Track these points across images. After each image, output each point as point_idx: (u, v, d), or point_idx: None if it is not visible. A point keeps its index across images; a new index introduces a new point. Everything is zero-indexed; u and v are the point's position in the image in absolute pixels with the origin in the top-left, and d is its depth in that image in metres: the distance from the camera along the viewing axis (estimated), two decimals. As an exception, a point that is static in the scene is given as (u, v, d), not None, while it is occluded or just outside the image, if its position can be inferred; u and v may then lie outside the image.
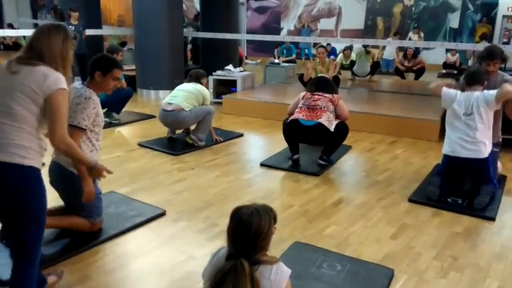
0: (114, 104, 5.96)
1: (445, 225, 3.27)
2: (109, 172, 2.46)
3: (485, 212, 3.45)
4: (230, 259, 1.69)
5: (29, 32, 9.81)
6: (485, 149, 3.52)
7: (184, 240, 2.97)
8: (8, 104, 1.88)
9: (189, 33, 10.55)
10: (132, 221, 3.15)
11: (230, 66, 7.83)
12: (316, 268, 2.62)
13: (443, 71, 11.15)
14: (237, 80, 7.51)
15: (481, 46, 7.87)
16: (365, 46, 9.39)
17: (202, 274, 1.84)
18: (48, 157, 2.21)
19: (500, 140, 3.96)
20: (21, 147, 1.88)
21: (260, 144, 5.64)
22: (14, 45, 14.14)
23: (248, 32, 15.35)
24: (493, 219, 3.38)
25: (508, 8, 12.22)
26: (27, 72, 1.92)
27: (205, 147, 5.01)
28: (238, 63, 10.11)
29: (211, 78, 7.39)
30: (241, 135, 5.63)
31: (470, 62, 10.97)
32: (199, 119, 4.95)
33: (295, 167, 4.40)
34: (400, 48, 11.54)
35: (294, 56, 12.31)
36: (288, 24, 15.70)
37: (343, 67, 9.36)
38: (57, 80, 1.93)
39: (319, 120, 4.25)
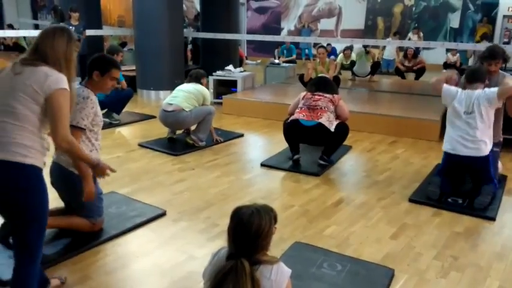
0: (114, 104, 5.97)
1: (445, 225, 3.27)
2: (112, 170, 2.48)
3: (486, 211, 3.45)
4: (230, 259, 1.69)
5: (29, 33, 9.86)
6: (485, 147, 3.52)
7: (185, 241, 2.97)
8: (10, 104, 1.90)
9: (189, 33, 10.56)
10: (132, 221, 3.16)
11: (230, 67, 7.83)
12: (316, 268, 2.62)
13: (444, 71, 11.14)
14: (237, 80, 7.52)
15: (482, 46, 7.89)
16: (365, 46, 9.39)
17: (202, 274, 1.84)
18: (49, 157, 2.21)
19: (501, 139, 3.96)
20: (22, 146, 1.89)
21: (260, 144, 5.64)
22: (14, 45, 14.16)
23: (248, 32, 15.36)
24: (493, 219, 3.37)
25: (509, 8, 12.21)
26: (30, 72, 1.95)
27: (205, 147, 5.01)
28: (239, 63, 10.11)
29: (211, 78, 7.40)
30: (242, 135, 5.64)
31: (470, 62, 10.97)
32: (199, 120, 4.95)
33: (295, 167, 4.40)
34: (400, 48, 11.55)
35: (294, 56, 12.32)
36: (288, 24, 15.71)
37: (343, 67, 9.37)
38: (58, 79, 1.96)
39: (320, 121, 4.25)
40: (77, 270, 2.58)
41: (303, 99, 4.50)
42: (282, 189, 4.05)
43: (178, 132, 5.37)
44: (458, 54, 11.27)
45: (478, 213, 3.44)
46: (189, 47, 11.68)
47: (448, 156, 3.67)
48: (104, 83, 2.84)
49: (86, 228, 2.91)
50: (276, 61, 10.49)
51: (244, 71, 8.30)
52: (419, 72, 10.01)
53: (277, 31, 15.49)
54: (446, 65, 11.23)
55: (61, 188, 2.89)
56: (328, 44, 11.12)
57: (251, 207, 1.73)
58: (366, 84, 8.86)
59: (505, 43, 11.31)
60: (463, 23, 13.10)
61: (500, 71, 3.91)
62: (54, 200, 2.86)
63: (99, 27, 9.56)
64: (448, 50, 11.64)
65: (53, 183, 2.82)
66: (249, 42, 15.83)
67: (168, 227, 3.15)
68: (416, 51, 10.62)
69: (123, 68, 7.27)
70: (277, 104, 6.49)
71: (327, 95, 4.43)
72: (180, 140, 5.20)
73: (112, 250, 2.83)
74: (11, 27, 14.66)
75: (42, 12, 18.34)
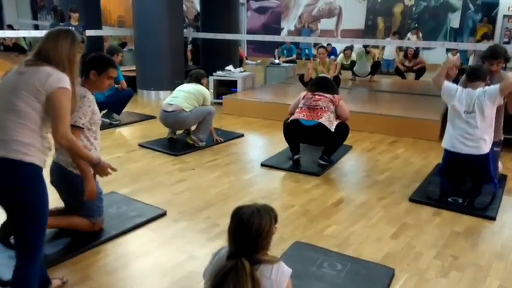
0: (114, 104, 5.97)
1: (445, 225, 3.27)
2: (113, 169, 2.48)
3: (486, 211, 3.45)
4: (231, 259, 1.69)
5: (29, 33, 9.87)
6: (485, 146, 3.53)
7: (185, 240, 2.97)
8: (13, 102, 1.93)
9: (189, 33, 10.56)
10: (133, 221, 3.16)
11: (230, 67, 7.83)
12: (316, 268, 2.62)
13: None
14: (237, 81, 7.52)
15: (482, 45, 7.89)
16: (365, 46, 9.40)
17: (203, 274, 1.84)
18: (49, 157, 2.21)
19: (502, 138, 3.95)
20: (22, 144, 1.91)
21: (260, 144, 5.64)
22: (14, 46, 14.17)
23: (248, 33, 15.36)
24: (493, 218, 3.38)
25: (509, 8, 12.22)
26: (33, 72, 1.98)
27: (205, 147, 5.01)
28: (239, 63, 10.11)
29: (211, 78, 7.40)
30: (242, 135, 5.64)
31: (470, 61, 10.96)
32: (199, 120, 4.95)
33: (295, 167, 4.40)
34: (400, 48, 11.55)
35: (294, 56, 12.32)
36: (289, 24, 15.71)
37: (343, 67, 9.36)
38: (59, 78, 1.98)
39: (320, 121, 4.25)
40: (77, 270, 2.58)
41: (303, 99, 4.51)
42: (282, 189, 4.05)
43: (179, 132, 5.37)
44: (458, 54, 11.27)
45: (478, 212, 3.44)
46: (189, 47, 11.67)
47: (448, 153, 3.67)
48: (101, 82, 2.86)
49: (86, 228, 2.91)
50: (276, 61, 10.49)
51: (244, 71, 8.30)
52: (420, 72, 10.01)
53: (277, 31, 15.50)
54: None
55: (60, 186, 2.90)
56: (329, 44, 11.11)
57: (251, 207, 1.73)
58: (366, 84, 8.85)
59: (505, 43, 11.32)
60: (463, 23, 13.10)
61: (501, 71, 3.91)
62: (55, 200, 2.87)
63: (99, 27, 9.56)
64: (448, 50, 11.64)
65: (52, 183, 2.83)
66: (249, 42, 15.84)
67: (169, 227, 3.15)
68: (417, 51, 10.62)
69: (122, 68, 7.29)
70: (277, 104, 6.49)
71: (328, 95, 4.43)
72: (180, 140, 5.20)
73: (112, 250, 2.83)
74: (10, 27, 14.66)
75: (42, 12, 18.35)
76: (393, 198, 3.73)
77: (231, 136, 5.52)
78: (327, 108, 4.34)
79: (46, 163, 2.08)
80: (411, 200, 3.68)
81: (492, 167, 3.63)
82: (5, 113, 1.93)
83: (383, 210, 3.50)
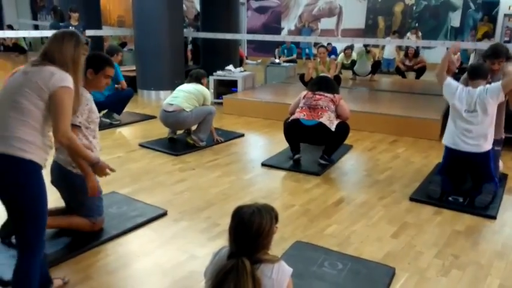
0: (114, 104, 5.97)
1: (446, 224, 3.27)
2: (112, 170, 2.48)
3: (487, 210, 3.45)
4: (231, 258, 1.69)
5: (28, 33, 9.88)
6: (486, 144, 3.53)
7: (186, 240, 2.97)
8: (16, 99, 1.96)
9: (190, 33, 10.56)
10: (133, 221, 3.16)
11: (230, 67, 7.83)
12: (317, 267, 2.62)
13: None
14: (237, 80, 7.51)
15: (483, 44, 7.88)
16: (366, 45, 9.39)
17: (203, 273, 1.84)
18: (50, 157, 2.22)
19: (503, 136, 3.95)
20: (23, 141, 1.93)
21: (261, 144, 5.64)
22: (14, 46, 14.19)
23: (248, 32, 15.36)
24: (494, 217, 3.38)
25: (510, 7, 12.17)
26: (37, 71, 2.02)
27: (206, 147, 5.02)
28: (239, 63, 10.12)
29: (211, 78, 7.40)
30: (242, 135, 5.64)
31: (471, 60, 10.95)
32: (200, 120, 4.95)
33: (296, 167, 4.40)
34: (401, 48, 11.54)
35: (294, 56, 12.33)
36: (289, 24, 15.71)
37: (344, 67, 9.36)
38: (62, 78, 2.01)
39: (320, 120, 4.25)
40: (78, 270, 2.58)
41: (303, 98, 4.50)
42: (283, 189, 4.05)
43: (179, 132, 5.38)
44: (459, 53, 11.25)
45: (478, 211, 3.44)
46: (189, 47, 11.68)
47: (448, 151, 3.67)
48: (98, 81, 2.88)
49: (86, 228, 2.91)
50: (277, 61, 10.49)
51: (245, 70, 8.29)
52: (420, 71, 10.00)
53: (278, 31, 15.50)
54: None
55: (60, 185, 2.91)
56: (329, 44, 11.12)
57: (252, 207, 1.73)
58: (366, 83, 8.85)
59: (506, 42, 11.30)
60: (464, 22, 13.09)
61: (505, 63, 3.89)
62: (55, 200, 2.88)
63: (99, 27, 9.57)
64: (448, 49, 11.62)
65: (53, 182, 2.84)
66: (249, 42, 15.84)
67: (169, 227, 3.15)
68: (417, 50, 10.61)
69: (122, 68, 7.29)
70: (277, 104, 6.49)
71: (328, 95, 4.43)
72: (181, 140, 5.20)
73: (113, 250, 2.83)
74: (10, 27, 14.68)
75: (42, 12, 18.37)
76: (394, 198, 3.73)
77: (231, 136, 5.52)
78: (327, 108, 4.34)
79: (47, 162, 2.08)
80: (412, 199, 3.68)
81: (493, 166, 3.63)
82: (8, 110, 1.96)
83: (383, 210, 3.50)
